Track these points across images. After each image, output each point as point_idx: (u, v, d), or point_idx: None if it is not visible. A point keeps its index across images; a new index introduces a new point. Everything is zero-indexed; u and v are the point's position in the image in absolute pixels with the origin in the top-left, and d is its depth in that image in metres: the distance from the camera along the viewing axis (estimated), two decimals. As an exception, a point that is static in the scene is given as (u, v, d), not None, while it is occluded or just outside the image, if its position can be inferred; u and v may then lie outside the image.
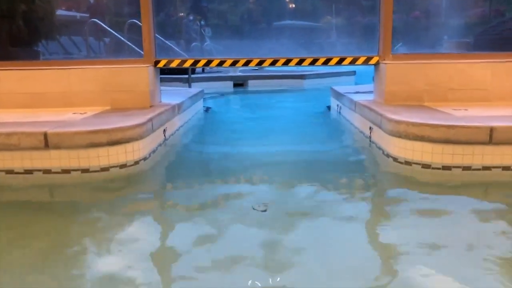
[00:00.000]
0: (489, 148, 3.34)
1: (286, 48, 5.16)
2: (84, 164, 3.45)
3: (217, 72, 11.30)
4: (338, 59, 4.89)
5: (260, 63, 4.96)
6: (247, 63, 4.97)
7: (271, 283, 1.94)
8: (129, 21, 5.22)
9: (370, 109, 4.36)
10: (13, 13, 4.92)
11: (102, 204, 3.01)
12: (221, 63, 4.97)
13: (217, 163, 4.07)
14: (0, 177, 3.45)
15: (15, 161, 3.45)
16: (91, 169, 3.46)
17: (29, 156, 3.43)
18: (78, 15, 5.56)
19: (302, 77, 10.97)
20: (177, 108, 5.07)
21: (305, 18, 5.53)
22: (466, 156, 3.36)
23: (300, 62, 4.93)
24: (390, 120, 3.72)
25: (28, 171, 3.46)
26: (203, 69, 11.16)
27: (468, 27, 5.16)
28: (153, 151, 4.02)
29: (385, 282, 1.97)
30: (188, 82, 8.65)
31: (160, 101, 5.08)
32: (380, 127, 3.98)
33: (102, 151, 3.46)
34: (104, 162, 3.48)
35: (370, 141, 4.36)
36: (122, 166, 3.56)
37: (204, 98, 7.26)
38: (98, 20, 5.41)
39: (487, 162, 3.36)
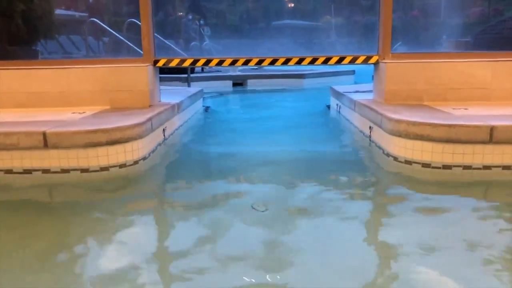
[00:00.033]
0: (489, 147, 3.33)
1: (285, 48, 5.14)
2: (83, 164, 3.44)
3: (216, 71, 11.30)
4: (337, 58, 4.89)
5: (260, 62, 4.96)
6: (246, 63, 4.96)
7: (271, 282, 1.94)
8: (128, 20, 5.21)
9: (370, 109, 4.35)
10: (12, 12, 4.91)
11: (102, 204, 3.00)
12: (220, 63, 4.96)
13: (216, 162, 4.06)
14: (-1, 177, 3.44)
15: (14, 160, 3.44)
16: (90, 169, 3.45)
17: (28, 155, 3.42)
18: (77, 14, 5.54)
19: (301, 76, 10.96)
20: (177, 108, 5.06)
21: (304, 17, 5.52)
22: (466, 155, 3.36)
23: (299, 62, 4.92)
24: (390, 119, 3.72)
25: (27, 171, 3.45)
26: (202, 69, 11.14)
27: (468, 26, 5.15)
28: (153, 151, 4.01)
29: (385, 281, 1.96)
30: (187, 81, 8.64)
31: (160, 101, 5.07)
32: (380, 126, 3.97)
33: (101, 150, 3.45)
34: (103, 162, 3.47)
35: (370, 140, 4.36)
36: (122, 165, 3.55)
37: (203, 98, 7.25)
38: (97, 19, 5.40)
39: (488, 161, 3.36)
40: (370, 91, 5.26)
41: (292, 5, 5.58)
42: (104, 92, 4.62)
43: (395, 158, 3.65)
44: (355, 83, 9.88)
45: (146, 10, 4.74)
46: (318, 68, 11.42)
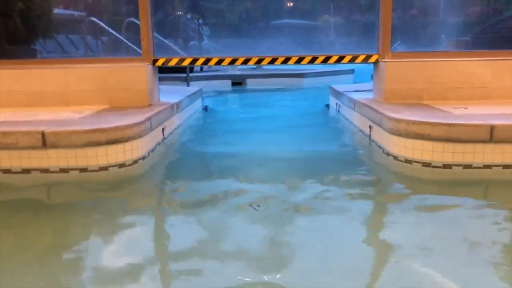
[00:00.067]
0: (489, 146, 3.32)
1: (284, 47, 5.13)
2: (82, 163, 3.43)
3: (216, 71, 11.29)
4: (337, 57, 4.88)
5: (259, 61, 4.94)
6: (245, 62, 4.95)
7: (271, 282, 1.93)
8: (127, 19, 5.19)
9: (370, 108, 4.34)
10: (10, 11, 4.89)
11: (101, 203, 2.99)
12: (219, 62, 4.95)
13: (216, 161, 4.05)
14: (-3, 177, 3.43)
15: (12, 160, 3.42)
16: (89, 169, 3.44)
17: (27, 155, 3.41)
18: (75, 13, 5.52)
19: (301, 75, 10.95)
20: (176, 107, 5.05)
21: (303, 16, 5.51)
22: (466, 155, 3.35)
23: (299, 61, 4.91)
24: (390, 118, 3.71)
25: (26, 171, 3.44)
26: (201, 68, 11.13)
27: (468, 25, 5.15)
28: (152, 150, 4.00)
29: (385, 281, 1.96)
30: (187, 80, 8.63)
31: (159, 100, 5.06)
32: (380, 125, 3.96)
33: (100, 150, 3.44)
34: (102, 161, 3.46)
35: (369, 139, 4.35)
36: (121, 165, 3.53)
37: (202, 97, 7.24)
38: (96, 18, 5.38)
39: (488, 160, 3.35)
40: (370, 90, 5.25)
41: (291, 4, 5.57)
42: (103, 92, 4.60)
43: (395, 157, 3.64)
44: (354, 82, 9.87)
45: (145, 10, 4.72)
46: (317, 67, 11.41)
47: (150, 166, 3.75)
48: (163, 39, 5.18)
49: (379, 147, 4.00)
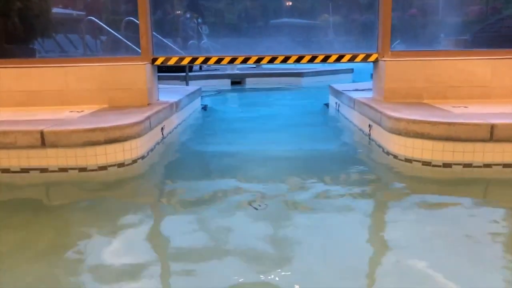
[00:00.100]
0: (490, 146, 3.32)
1: (284, 47, 5.12)
2: (81, 163, 3.42)
3: (215, 70, 11.28)
4: (337, 56, 4.87)
5: (259, 60, 4.93)
6: (245, 61, 4.94)
7: (270, 281, 1.92)
8: (126, 19, 5.18)
9: (370, 107, 4.33)
10: (9, 10, 4.88)
11: (101, 203, 2.98)
12: (219, 61, 4.94)
13: (215, 161, 4.04)
14: (-4, 176, 3.42)
15: (11, 160, 3.41)
16: (88, 168, 3.43)
17: (26, 154, 3.40)
18: (74, 12, 5.51)
19: (300, 75, 10.96)
20: (175, 106, 5.04)
21: (303, 16, 5.50)
22: (466, 154, 3.35)
23: (298, 60, 4.90)
24: (390, 117, 3.70)
25: (25, 170, 3.43)
26: (200, 67, 11.13)
27: (467, 24, 5.14)
28: (151, 150, 3.99)
29: (385, 281, 1.95)
30: (186, 80, 8.62)
31: (158, 99, 5.05)
32: (379, 124, 3.96)
33: (99, 149, 3.43)
34: (101, 161, 3.45)
35: (369, 138, 4.34)
36: (120, 164, 3.52)
37: (201, 96, 7.23)
38: (95, 18, 5.37)
39: (488, 159, 3.34)
40: (369, 90, 5.24)
41: (291, 3, 5.56)
42: (102, 91, 4.59)
43: (395, 156, 3.63)
44: (353, 81, 9.87)
45: (144, 9, 4.71)
46: (316, 66, 11.42)
47: (149, 165, 3.74)
48: (162, 38, 5.17)
49: (379, 146, 3.99)
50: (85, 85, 4.60)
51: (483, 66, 4.49)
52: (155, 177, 3.66)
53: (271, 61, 4.91)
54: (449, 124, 3.36)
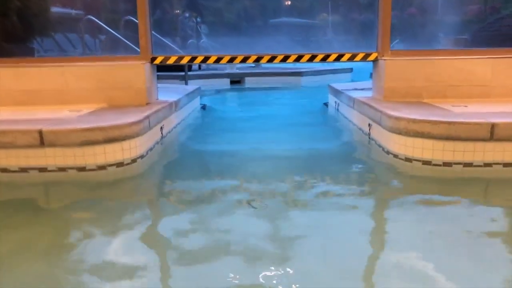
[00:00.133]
0: (490, 145, 3.31)
1: (283, 46, 5.11)
2: (80, 162, 3.41)
3: (214, 69, 11.27)
4: (336, 55, 4.87)
5: (258, 59, 4.92)
6: (244, 60, 4.93)
7: (271, 281, 1.91)
8: (125, 18, 5.17)
9: (369, 106, 4.33)
10: (8, 9, 4.86)
11: (100, 203, 2.97)
12: (218, 60, 4.93)
13: (214, 160, 4.03)
14: (-5, 176, 3.40)
15: (10, 159, 3.40)
16: (87, 167, 3.42)
17: (25, 154, 3.39)
18: (73, 12, 5.49)
19: (299, 74, 10.95)
20: (174, 106, 5.03)
21: (302, 15, 5.49)
22: (467, 153, 3.34)
23: (298, 59, 4.89)
24: (390, 116, 3.69)
25: (24, 169, 3.41)
26: (199, 67, 11.11)
27: (467, 23, 5.14)
28: (150, 149, 3.98)
29: (385, 281, 1.94)
30: (185, 79, 8.60)
31: (157, 99, 5.04)
32: (379, 124, 3.95)
33: (98, 149, 3.41)
34: (100, 160, 3.44)
35: (369, 138, 4.33)
36: (119, 164, 3.51)
37: (200, 96, 7.22)
38: (94, 17, 5.35)
39: (488, 158, 3.34)
40: (369, 89, 5.23)
41: (290, 2, 5.55)
42: (101, 90, 4.58)
43: (395, 156, 3.63)
44: (353, 81, 9.87)
45: (143, 8, 4.70)
46: (316, 66, 11.41)
47: (148, 165, 3.73)
48: (161, 38, 5.16)
49: (379, 145, 3.99)
50: (84, 84, 4.59)
51: (483, 65, 4.48)
52: (154, 176, 3.65)
53: (271, 60, 4.90)
54: (450, 123, 3.35)
